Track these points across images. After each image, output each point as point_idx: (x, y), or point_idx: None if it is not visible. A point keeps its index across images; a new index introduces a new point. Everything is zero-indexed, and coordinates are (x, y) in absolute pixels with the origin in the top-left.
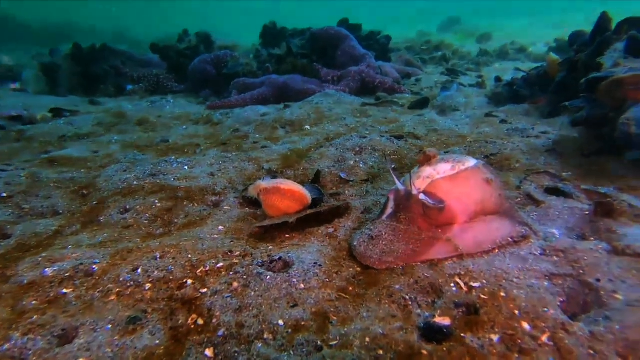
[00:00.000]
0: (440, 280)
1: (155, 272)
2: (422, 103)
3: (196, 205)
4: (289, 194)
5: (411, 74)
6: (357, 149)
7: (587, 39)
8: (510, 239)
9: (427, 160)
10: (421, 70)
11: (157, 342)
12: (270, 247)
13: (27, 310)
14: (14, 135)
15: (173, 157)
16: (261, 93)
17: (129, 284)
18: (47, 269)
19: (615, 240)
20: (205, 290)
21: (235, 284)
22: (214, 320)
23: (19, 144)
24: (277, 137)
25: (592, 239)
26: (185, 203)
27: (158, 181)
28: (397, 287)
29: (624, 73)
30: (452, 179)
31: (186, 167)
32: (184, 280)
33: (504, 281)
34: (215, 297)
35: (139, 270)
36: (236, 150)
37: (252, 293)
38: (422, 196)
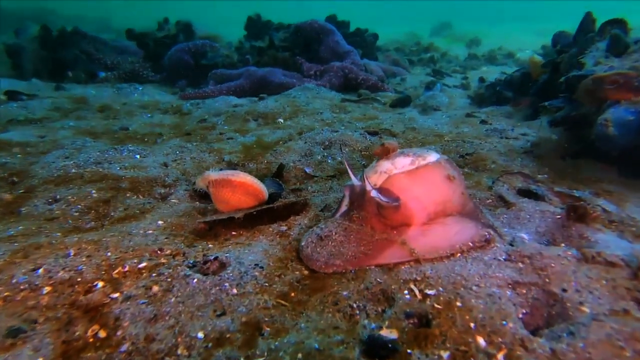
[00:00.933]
0: (393, 287)
1: (60, 273)
2: (403, 101)
3: (140, 197)
4: (241, 187)
5: (397, 74)
6: (327, 143)
7: (571, 39)
8: (470, 244)
9: (386, 152)
10: (407, 71)
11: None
12: (210, 246)
13: None
14: None
15: (126, 146)
16: (238, 85)
17: (22, 287)
18: None
19: (585, 246)
20: (116, 295)
21: (156, 288)
22: (119, 333)
23: None
24: (247, 129)
25: (562, 244)
26: (128, 195)
27: (100, 170)
28: (345, 293)
29: (603, 71)
30: (410, 175)
31: (137, 156)
32: (94, 283)
33: (461, 289)
34: (127, 303)
35: (40, 271)
36: (200, 141)
37: (173, 299)
38: (373, 193)
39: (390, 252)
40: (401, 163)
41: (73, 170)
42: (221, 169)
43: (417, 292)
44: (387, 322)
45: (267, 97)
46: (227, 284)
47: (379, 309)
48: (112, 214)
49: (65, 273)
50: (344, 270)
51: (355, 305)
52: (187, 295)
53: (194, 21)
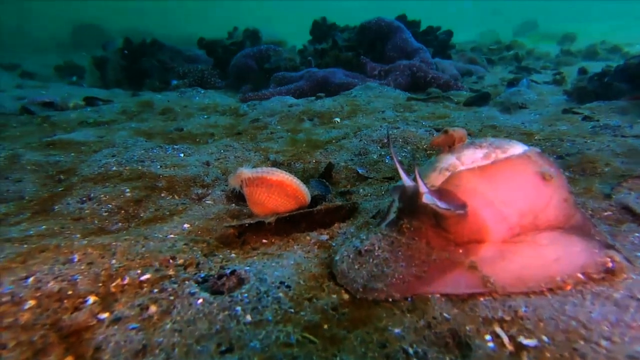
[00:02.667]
0: (467, 328)
1: (50, 284)
2: (480, 99)
3: (176, 197)
4: (278, 187)
5: (473, 72)
6: (385, 141)
7: None
8: (581, 275)
9: (449, 143)
10: (485, 70)
11: None
12: (233, 255)
13: None
14: (38, 120)
15: (172, 145)
16: (298, 87)
17: (3, 300)
18: None
19: None
20: (105, 315)
21: (153, 309)
22: None
23: (33, 127)
24: (301, 129)
25: None
26: (162, 194)
27: (140, 168)
28: (397, 331)
29: None
30: (483, 172)
31: (181, 155)
32: (85, 298)
33: (581, 342)
34: (115, 327)
35: (30, 280)
36: (250, 140)
37: (169, 325)
38: (426, 197)
39: (453, 278)
40: (471, 157)
41: (114, 168)
42: (253, 167)
43: (505, 339)
44: None
45: (324, 97)
46: (239, 308)
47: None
48: (141, 214)
49: (56, 284)
50: (389, 299)
51: (411, 351)
52: (187, 321)
53: (262, 29)
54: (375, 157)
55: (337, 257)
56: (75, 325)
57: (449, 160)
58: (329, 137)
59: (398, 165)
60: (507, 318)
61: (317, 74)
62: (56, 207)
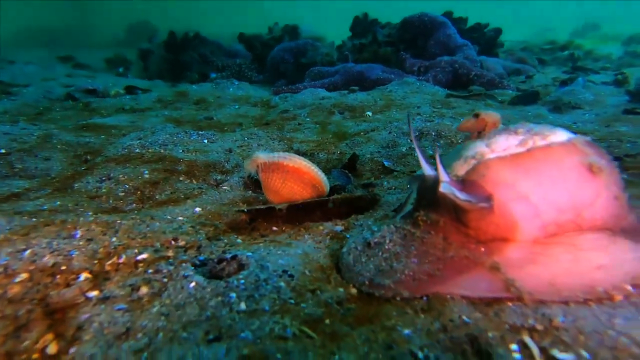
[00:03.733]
0: (490, 335)
1: (46, 258)
2: (528, 98)
3: (194, 181)
4: (294, 173)
5: (522, 71)
6: (417, 134)
7: None
8: (630, 288)
9: (479, 128)
10: (536, 70)
11: None
12: (239, 241)
13: None
14: (80, 105)
15: (197, 131)
16: (332, 82)
17: None
18: None
19: None
20: (94, 293)
21: (144, 290)
22: (72, 350)
23: (73, 112)
24: (330, 122)
25: None
26: (181, 178)
27: (162, 151)
28: (407, 332)
29: None
30: (515, 161)
31: (205, 141)
32: (78, 274)
33: None
34: (102, 307)
35: (26, 253)
36: (277, 130)
37: (157, 308)
38: (443, 186)
39: (471, 278)
40: (503, 144)
41: (137, 150)
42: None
43: (535, 350)
44: None
45: (357, 90)
46: (234, 295)
47: None
48: (156, 196)
49: (51, 258)
50: (397, 297)
51: (421, 355)
52: (176, 305)
53: (302, 25)
54: (404, 149)
55: (344, 249)
56: (62, 302)
57: (477, 148)
58: (358, 130)
59: (418, 152)
60: (539, 327)
61: (353, 69)
62: (76, 185)
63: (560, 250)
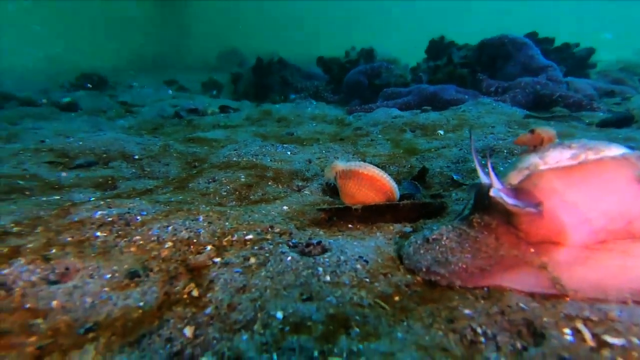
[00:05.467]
0: (545, 320)
1: (183, 232)
2: (620, 121)
3: (280, 186)
4: (368, 180)
5: (617, 93)
6: (489, 152)
7: None
8: None
9: (536, 142)
10: (636, 91)
11: (141, 304)
12: (321, 232)
13: (55, 244)
14: (185, 122)
15: (282, 144)
16: (405, 102)
17: (152, 239)
18: (98, 211)
19: None
20: (218, 259)
21: (253, 260)
22: (209, 295)
23: (180, 127)
24: (401, 139)
25: None
26: (269, 183)
27: (254, 160)
28: (468, 312)
29: None
30: (566, 172)
31: (289, 152)
32: (205, 246)
33: None
34: (224, 269)
35: (169, 228)
36: (351, 145)
37: (264, 273)
38: (493, 192)
39: (519, 275)
40: (556, 157)
41: (234, 159)
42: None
43: (587, 335)
44: None
45: (429, 110)
46: (320, 269)
47: (518, 345)
48: (251, 197)
49: (186, 233)
50: (451, 285)
51: (480, 331)
52: (277, 272)
53: (378, 47)
54: (474, 165)
55: (406, 243)
56: (197, 264)
57: (531, 160)
58: (429, 147)
59: (476, 162)
60: (594, 318)
61: (427, 90)
62: (190, 185)
63: (610, 256)
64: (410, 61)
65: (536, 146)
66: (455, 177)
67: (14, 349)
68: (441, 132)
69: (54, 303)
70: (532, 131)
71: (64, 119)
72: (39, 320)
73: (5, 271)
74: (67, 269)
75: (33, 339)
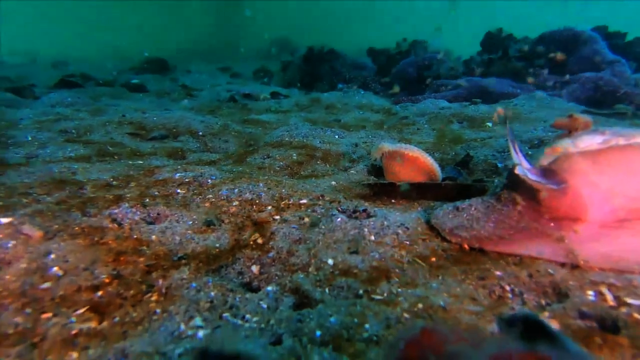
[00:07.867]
0: (571, 283)
1: (247, 194)
2: None
3: (327, 165)
4: (412, 161)
5: None
6: (536, 142)
7: None
8: None
9: (571, 127)
10: None
11: (217, 245)
12: (366, 204)
13: (147, 195)
14: (239, 105)
15: (330, 128)
16: (454, 94)
17: (222, 198)
18: (177, 173)
19: None
20: (278, 217)
21: (307, 219)
22: (271, 243)
23: (236, 110)
24: (447, 129)
25: None
26: (318, 162)
27: (304, 141)
28: (499, 273)
29: None
30: (592, 156)
31: (336, 136)
32: (266, 206)
33: None
34: (283, 225)
35: (236, 190)
36: (396, 132)
37: (317, 229)
38: (518, 169)
39: (537, 244)
40: (587, 141)
41: (286, 139)
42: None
43: (609, 297)
44: (548, 314)
45: (479, 103)
46: (366, 230)
47: (542, 301)
48: (301, 172)
49: (250, 195)
50: (468, 246)
51: (508, 288)
52: (328, 229)
53: (430, 39)
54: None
55: (438, 208)
56: (260, 219)
57: (563, 143)
58: (475, 137)
59: (510, 144)
60: (619, 284)
61: (478, 82)
62: (248, 159)
63: (627, 233)
64: (464, 54)
65: (571, 131)
66: (499, 164)
67: (130, 264)
68: (489, 124)
69: (153, 237)
70: (570, 116)
71: (134, 99)
72: (145, 247)
73: (116, 211)
74: (158, 214)
75: (142, 259)
